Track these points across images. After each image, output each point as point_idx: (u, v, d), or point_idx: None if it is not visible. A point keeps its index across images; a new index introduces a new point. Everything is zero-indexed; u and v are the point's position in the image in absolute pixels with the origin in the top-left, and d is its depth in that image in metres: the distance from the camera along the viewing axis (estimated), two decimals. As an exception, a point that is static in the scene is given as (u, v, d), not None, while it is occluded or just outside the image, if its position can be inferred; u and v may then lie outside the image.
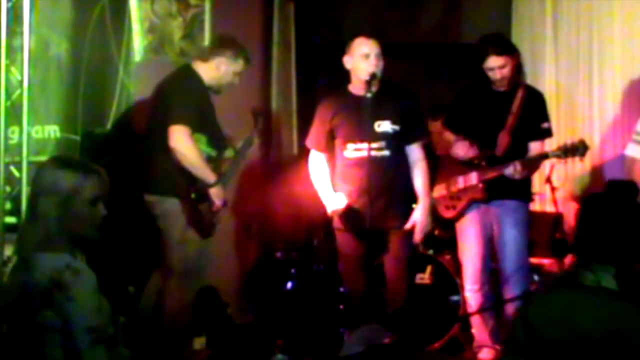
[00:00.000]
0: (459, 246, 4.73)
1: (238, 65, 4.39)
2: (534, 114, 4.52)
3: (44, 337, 2.46)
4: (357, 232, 4.30)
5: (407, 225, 4.26)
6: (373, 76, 4.21)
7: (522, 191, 4.54)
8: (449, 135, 4.68)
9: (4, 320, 2.57)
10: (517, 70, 4.51)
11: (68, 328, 2.44)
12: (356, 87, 4.34)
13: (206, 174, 4.18)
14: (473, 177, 4.54)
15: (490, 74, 4.44)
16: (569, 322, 2.29)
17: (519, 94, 4.50)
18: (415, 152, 4.36)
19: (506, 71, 4.43)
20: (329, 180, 4.40)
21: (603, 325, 2.26)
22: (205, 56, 4.39)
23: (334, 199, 4.33)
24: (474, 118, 4.56)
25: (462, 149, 4.54)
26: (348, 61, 4.33)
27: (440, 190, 4.69)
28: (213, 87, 4.37)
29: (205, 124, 4.25)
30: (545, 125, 4.54)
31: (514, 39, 5.95)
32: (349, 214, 4.29)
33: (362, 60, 4.25)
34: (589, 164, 5.48)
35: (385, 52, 4.36)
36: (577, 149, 4.30)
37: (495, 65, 4.41)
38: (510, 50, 4.47)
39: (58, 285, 2.43)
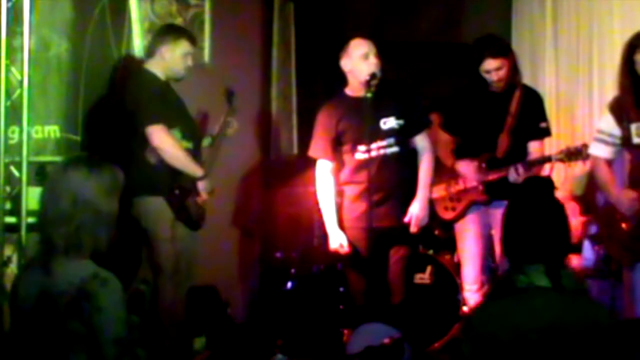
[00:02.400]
0: (458, 246, 4.73)
1: (182, 46, 4.35)
2: (532, 114, 4.51)
3: (68, 344, 2.44)
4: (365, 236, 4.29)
5: (406, 219, 4.26)
6: (373, 76, 4.20)
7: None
8: (446, 137, 4.68)
9: (22, 324, 2.54)
10: (513, 70, 4.51)
11: (94, 337, 2.42)
12: (354, 89, 4.33)
13: (193, 169, 4.22)
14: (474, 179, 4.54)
15: (487, 76, 4.45)
16: (507, 325, 2.35)
17: (516, 95, 4.50)
18: (421, 142, 4.38)
19: (502, 73, 4.43)
20: (334, 204, 4.38)
21: (538, 322, 2.32)
22: (150, 52, 4.39)
23: (338, 237, 4.33)
24: (472, 120, 4.56)
25: (467, 170, 4.55)
26: (346, 63, 4.32)
27: (439, 191, 4.68)
28: (170, 77, 4.36)
29: (174, 118, 4.26)
30: (543, 124, 4.54)
31: (514, 39, 5.96)
32: (352, 254, 4.33)
33: (362, 61, 4.25)
34: (589, 164, 5.47)
35: (385, 52, 4.36)
36: (580, 153, 4.30)
37: (492, 68, 4.41)
38: (505, 52, 4.47)
39: (86, 295, 2.41)
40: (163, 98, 4.26)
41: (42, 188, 2.68)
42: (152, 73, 4.31)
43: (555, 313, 2.34)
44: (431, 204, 4.62)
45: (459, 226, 4.67)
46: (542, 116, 4.56)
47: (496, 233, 4.59)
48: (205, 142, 4.51)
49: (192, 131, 4.41)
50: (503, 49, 4.50)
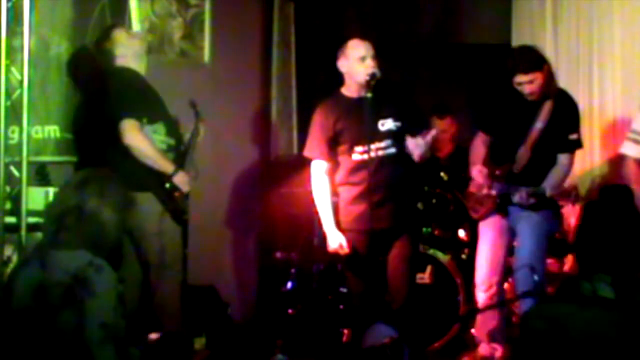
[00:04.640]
0: (477, 245, 4.73)
1: (121, 35, 4.31)
2: (562, 126, 4.45)
3: (58, 342, 2.45)
4: (364, 238, 4.28)
5: (409, 143, 4.19)
6: (373, 76, 4.19)
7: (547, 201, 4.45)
8: (481, 138, 4.66)
9: (16, 322, 2.54)
10: (548, 81, 4.44)
11: (82, 322, 2.44)
12: (351, 89, 4.31)
13: (164, 165, 4.20)
14: (494, 188, 4.51)
15: (519, 88, 4.40)
16: (559, 328, 2.33)
17: (547, 106, 4.43)
18: None
19: (535, 86, 4.38)
20: (330, 206, 4.35)
21: (589, 332, 2.29)
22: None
23: (337, 237, 4.29)
24: (502, 124, 4.54)
25: (477, 177, 4.54)
26: (343, 64, 4.29)
27: (473, 188, 4.68)
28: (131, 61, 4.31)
29: (158, 113, 4.25)
30: (573, 136, 4.46)
31: (514, 39, 5.96)
32: (351, 255, 4.29)
33: (359, 63, 4.23)
34: (589, 165, 5.49)
35: (385, 52, 4.35)
36: (569, 195, 4.28)
37: (524, 81, 4.37)
38: (537, 66, 4.38)
39: (81, 281, 2.45)
40: (140, 92, 4.22)
41: (53, 198, 2.74)
42: (129, 68, 4.27)
43: (608, 327, 2.30)
44: (463, 197, 4.74)
45: (481, 227, 4.70)
46: (573, 127, 4.49)
47: (517, 234, 4.57)
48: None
49: (174, 128, 4.40)
50: (533, 64, 4.39)
